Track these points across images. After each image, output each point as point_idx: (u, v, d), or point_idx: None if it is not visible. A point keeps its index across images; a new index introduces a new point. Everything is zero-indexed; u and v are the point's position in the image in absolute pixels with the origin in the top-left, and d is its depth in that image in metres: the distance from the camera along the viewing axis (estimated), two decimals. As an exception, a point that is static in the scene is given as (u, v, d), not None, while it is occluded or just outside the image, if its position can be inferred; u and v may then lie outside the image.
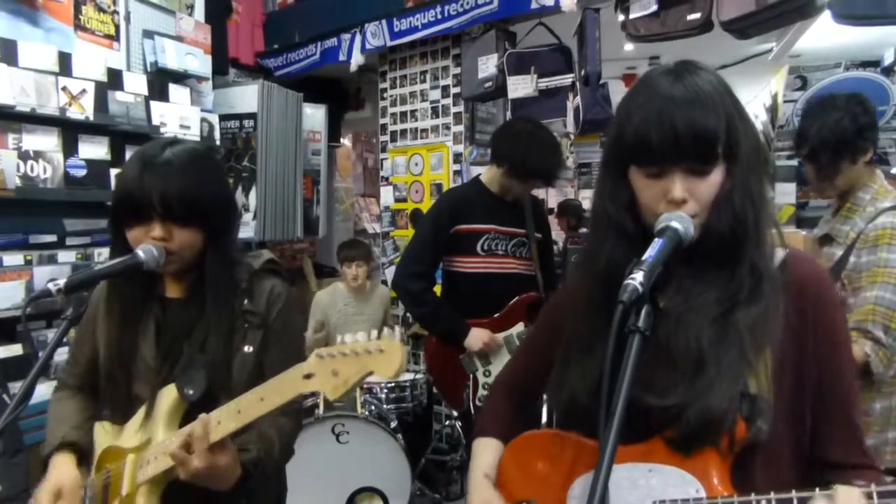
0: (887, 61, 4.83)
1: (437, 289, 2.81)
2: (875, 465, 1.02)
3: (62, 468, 1.37)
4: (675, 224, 0.93)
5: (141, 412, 1.37)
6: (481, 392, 2.66)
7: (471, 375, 2.68)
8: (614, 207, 1.04)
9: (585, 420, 0.99)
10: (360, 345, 1.03)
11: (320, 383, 1.07)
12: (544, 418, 3.06)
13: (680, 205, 0.95)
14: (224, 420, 1.18)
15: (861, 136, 1.94)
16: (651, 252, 0.88)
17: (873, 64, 4.87)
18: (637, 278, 0.82)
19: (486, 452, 1.24)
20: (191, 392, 1.30)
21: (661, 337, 0.98)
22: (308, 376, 1.09)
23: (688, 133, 0.92)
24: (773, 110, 4.46)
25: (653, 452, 0.98)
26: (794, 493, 0.85)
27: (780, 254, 1.03)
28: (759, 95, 5.89)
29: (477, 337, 2.61)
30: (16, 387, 1.12)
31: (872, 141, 1.97)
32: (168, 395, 1.33)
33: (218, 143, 3.79)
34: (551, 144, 2.67)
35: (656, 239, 0.91)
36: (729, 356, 0.95)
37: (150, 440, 1.32)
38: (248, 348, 1.39)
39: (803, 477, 0.98)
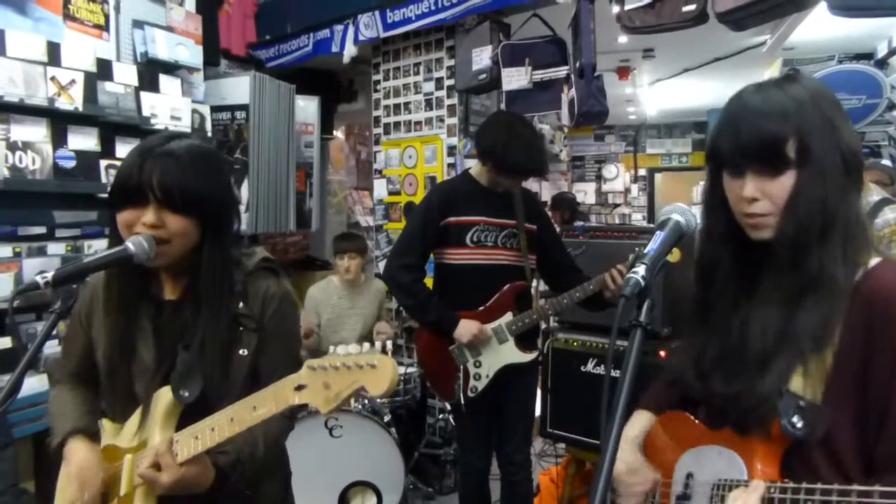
0: (880, 54, 4.83)
1: (430, 282, 2.79)
2: None
3: (81, 454, 1.36)
4: (676, 217, 0.93)
5: (137, 413, 1.36)
6: (472, 383, 2.64)
7: (461, 367, 2.66)
8: (708, 207, 1.13)
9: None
10: (352, 358, 1.03)
11: (311, 395, 1.08)
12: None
13: (751, 203, 1.01)
14: (202, 436, 1.21)
15: None
16: (653, 245, 0.87)
17: (867, 56, 4.87)
18: (639, 272, 0.81)
19: (636, 419, 1.32)
20: (186, 394, 1.29)
21: (735, 331, 1.08)
22: (300, 388, 1.09)
23: (750, 138, 1.00)
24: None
25: (722, 436, 1.10)
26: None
27: (872, 262, 1.02)
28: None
29: (465, 328, 2.59)
30: (4, 380, 1.11)
31: None
32: (164, 398, 1.32)
33: (209, 134, 3.75)
34: (529, 140, 2.61)
35: (658, 232, 0.90)
36: (784, 355, 1.01)
37: (146, 442, 1.32)
38: (243, 351, 1.38)
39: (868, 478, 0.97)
